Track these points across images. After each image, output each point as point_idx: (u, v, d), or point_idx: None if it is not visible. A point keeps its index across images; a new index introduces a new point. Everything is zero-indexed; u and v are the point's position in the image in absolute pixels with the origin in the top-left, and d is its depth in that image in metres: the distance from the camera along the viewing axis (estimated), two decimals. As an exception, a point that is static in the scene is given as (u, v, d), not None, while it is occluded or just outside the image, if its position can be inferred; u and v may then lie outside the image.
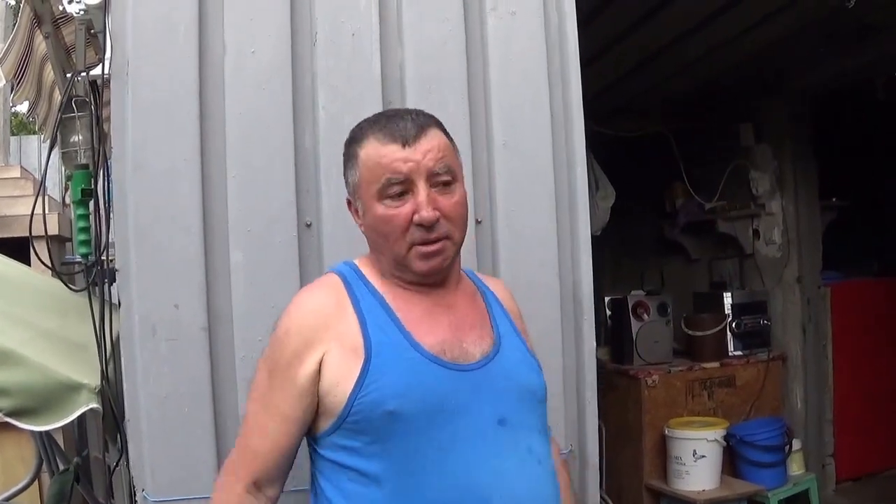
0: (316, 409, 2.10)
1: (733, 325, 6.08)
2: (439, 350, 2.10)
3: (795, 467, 5.91)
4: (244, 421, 2.19)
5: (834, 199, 6.81)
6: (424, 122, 2.16)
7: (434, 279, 2.20)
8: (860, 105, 6.69)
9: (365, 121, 2.23)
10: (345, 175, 2.24)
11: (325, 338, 2.08)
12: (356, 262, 2.28)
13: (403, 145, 2.09)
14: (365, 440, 2.03)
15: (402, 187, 2.08)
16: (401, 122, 2.14)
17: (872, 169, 6.95)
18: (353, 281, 2.20)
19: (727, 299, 6.19)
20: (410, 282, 2.19)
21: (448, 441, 2.03)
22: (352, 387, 2.03)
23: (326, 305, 2.14)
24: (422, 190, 2.09)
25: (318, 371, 2.07)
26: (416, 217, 2.07)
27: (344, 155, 2.24)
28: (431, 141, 2.13)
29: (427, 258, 2.12)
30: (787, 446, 5.69)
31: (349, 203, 2.25)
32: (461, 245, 2.22)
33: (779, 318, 6.47)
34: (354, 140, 2.19)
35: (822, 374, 6.50)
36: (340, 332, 2.09)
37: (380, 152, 2.10)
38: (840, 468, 6.55)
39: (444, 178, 2.12)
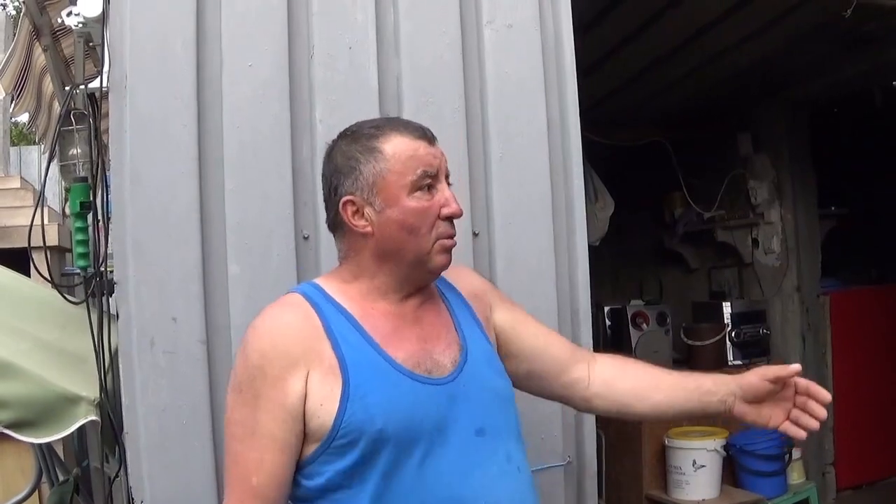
0: (303, 434, 2.03)
1: (732, 334, 6.08)
2: (412, 364, 2.07)
3: (796, 476, 5.90)
4: (232, 462, 2.05)
5: (832, 208, 6.82)
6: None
7: (433, 279, 2.23)
8: (858, 113, 6.70)
9: (369, 121, 2.22)
10: (350, 173, 2.10)
11: (306, 357, 2.02)
12: (317, 281, 2.23)
13: (429, 143, 2.12)
14: (349, 461, 1.99)
15: (431, 182, 2.09)
16: (416, 124, 2.17)
17: (871, 177, 6.96)
18: (318, 300, 2.13)
19: (726, 308, 6.18)
20: (397, 291, 2.17)
21: (430, 455, 2.02)
22: (336, 407, 1.98)
23: (299, 324, 2.07)
24: (446, 186, 2.12)
25: (304, 391, 2.00)
26: (444, 211, 2.09)
27: (346, 153, 2.14)
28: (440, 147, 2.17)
29: (448, 252, 2.14)
30: (787, 455, 5.68)
31: (346, 204, 2.10)
32: None
33: (778, 327, 6.47)
34: (368, 136, 2.12)
35: (822, 383, 6.37)
36: (318, 352, 2.03)
37: (412, 145, 2.09)
38: (840, 477, 6.54)
39: (450, 182, 2.16)
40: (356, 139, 2.13)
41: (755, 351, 6.17)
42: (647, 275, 7.37)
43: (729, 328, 6.10)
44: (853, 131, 6.90)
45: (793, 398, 2.30)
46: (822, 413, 2.27)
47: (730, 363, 6.05)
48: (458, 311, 2.29)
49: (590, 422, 3.21)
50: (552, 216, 3.12)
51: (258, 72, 2.80)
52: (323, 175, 2.22)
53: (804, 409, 2.29)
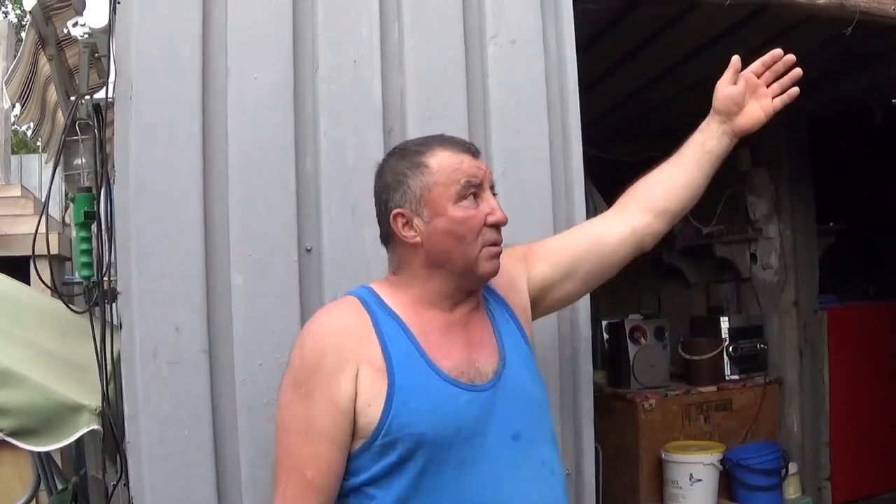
0: (353, 430, 2.12)
1: (730, 349, 6.07)
2: (457, 373, 2.16)
3: (792, 491, 5.90)
4: (286, 455, 2.15)
5: (831, 224, 6.81)
6: None
7: (481, 286, 2.31)
8: (858, 130, 6.71)
9: (416, 139, 2.35)
10: (399, 188, 2.21)
11: (357, 356, 2.11)
12: (372, 286, 2.31)
13: (473, 156, 2.22)
14: (387, 461, 2.08)
15: (476, 192, 2.18)
16: (460, 139, 2.30)
17: (870, 193, 6.97)
18: (372, 303, 2.22)
19: (724, 323, 6.17)
20: (449, 298, 2.25)
21: (467, 460, 2.10)
22: (382, 407, 2.08)
23: (353, 324, 2.17)
24: (490, 196, 2.21)
25: (355, 389, 2.09)
26: (490, 218, 2.18)
27: (394, 169, 2.24)
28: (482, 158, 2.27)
29: (495, 258, 2.21)
30: (784, 470, 5.68)
31: (396, 216, 2.21)
32: None
33: (775, 342, 6.46)
34: (415, 153, 2.24)
35: (819, 398, 6.49)
36: (368, 352, 2.12)
37: (457, 158, 2.20)
38: (837, 491, 6.53)
39: (495, 193, 2.25)
40: (404, 156, 2.26)
41: (752, 366, 6.15)
42: (645, 289, 7.35)
43: (726, 343, 6.08)
44: (853, 148, 6.91)
45: (763, 82, 2.55)
46: (790, 59, 2.54)
47: (727, 378, 6.04)
48: (497, 316, 2.37)
49: (588, 435, 3.23)
50: (553, 231, 3.13)
51: (263, 84, 2.82)
52: (375, 192, 2.31)
53: (777, 77, 2.54)
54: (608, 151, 6.25)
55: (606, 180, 6.35)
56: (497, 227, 2.20)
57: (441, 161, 2.19)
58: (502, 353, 2.27)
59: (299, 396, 2.13)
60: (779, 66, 2.54)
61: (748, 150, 6.43)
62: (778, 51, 2.53)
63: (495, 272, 2.25)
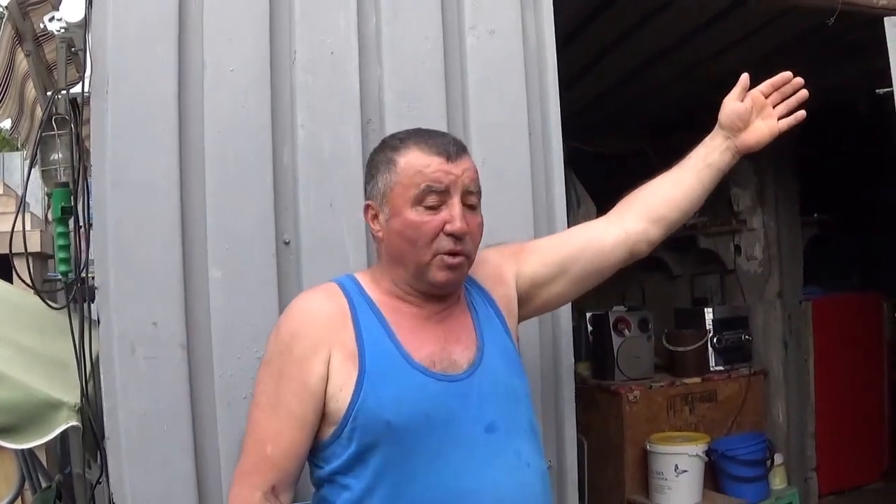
0: (322, 413, 2.13)
1: (714, 340, 6.08)
2: (429, 362, 2.16)
3: (778, 481, 5.92)
4: (252, 429, 2.19)
5: (815, 215, 6.83)
6: (461, 144, 2.28)
7: (442, 292, 2.27)
8: (841, 121, 6.72)
9: (402, 132, 2.31)
10: (371, 180, 2.27)
11: (330, 340, 2.14)
12: (356, 275, 2.34)
13: (447, 159, 2.18)
14: (356, 448, 2.09)
15: (438, 198, 2.16)
16: (442, 139, 2.26)
17: (853, 184, 6.98)
18: (351, 291, 2.25)
19: (708, 315, 6.17)
20: (417, 293, 2.25)
21: (438, 450, 2.10)
22: (352, 393, 2.09)
23: (329, 309, 2.20)
24: (456, 203, 2.18)
25: (327, 372, 2.12)
26: (448, 227, 2.15)
27: (373, 161, 2.29)
28: (467, 161, 2.24)
29: (448, 269, 2.19)
30: (769, 461, 5.70)
31: (367, 208, 2.28)
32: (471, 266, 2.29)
33: (760, 334, 6.48)
34: (391, 147, 2.25)
35: (804, 389, 6.51)
36: (342, 337, 2.15)
37: (423, 161, 2.18)
38: (822, 482, 6.55)
39: (472, 200, 2.23)
40: (383, 148, 2.29)
41: (737, 357, 6.17)
42: (629, 281, 7.35)
43: (711, 334, 6.10)
44: (836, 139, 6.91)
45: (770, 102, 2.55)
46: (798, 83, 2.55)
47: (711, 369, 6.06)
48: (479, 309, 2.37)
49: (570, 429, 3.22)
50: (533, 222, 3.13)
51: (240, 76, 2.81)
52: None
53: (784, 98, 2.54)
54: (590, 144, 6.24)
55: (590, 172, 6.41)
56: (454, 236, 2.17)
57: (409, 161, 2.18)
58: (480, 346, 2.27)
59: (270, 374, 2.17)
60: (787, 89, 2.54)
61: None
62: (788, 73, 2.54)
63: (448, 283, 2.23)
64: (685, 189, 2.61)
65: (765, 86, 2.55)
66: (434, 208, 2.16)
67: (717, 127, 2.60)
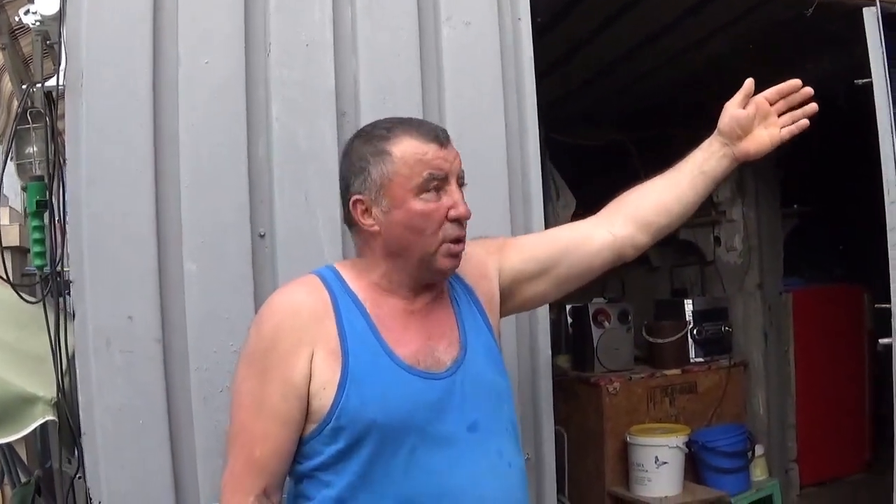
0: (306, 411, 2.10)
1: (694, 331, 6.09)
2: (413, 360, 2.14)
3: (759, 473, 5.93)
4: (237, 432, 2.13)
5: (795, 206, 6.85)
6: (445, 130, 2.24)
7: (441, 279, 2.27)
8: (821, 112, 6.72)
9: (382, 122, 2.25)
10: (360, 174, 2.16)
11: (313, 337, 2.09)
12: (337, 266, 2.29)
13: (440, 146, 2.15)
14: (339, 445, 2.07)
15: (439, 185, 2.13)
16: (429, 125, 2.23)
17: (834, 176, 6.99)
18: (333, 284, 2.20)
19: (688, 306, 6.18)
20: (409, 286, 2.22)
21: (420, 448, 2.08)
22: (335, 390, 2.06)
23: (311, 304, 2.14)
24: (455, 189, 2.16)
25: (310, 370, 2.08)
26: (451, 213, 2.13)
27: (358, 154, 2.19)
28: (454, 147, 2.21)
29: (454, 256, 2.18)
30: (750, 452, 5.71)
31: (356, 203, 2.17)
32: None
33: (740, 325, 6.49)
34: (380, 138, 2.17)
35: (785, 380, 6.52)
36: (324, 334, 2.10)
37: (421, 149, 2.13)
38: (803, 473, 6.57)
39: (463, 184, 2.20)
40: (368, 140, 2.20)
41: (717, 348, 6.17)
42: (609, 273, 7.37)
43: (691, 325, 6.10)
44: (816, 130, 6.92)
45: (775, 111, 2.49)
46: (807, 92, 2.49)
47: (691, 360, 6.06)
48: (462, 304, 2.34)
49: (548, 421, 3.23)
50: (510, 215, 3.13)
51: (214, 69, 2.80)
52: (339, 171, 2.28)
53: (790, 108, 2.48)
54: (569, 136, 6.24)
55: (569, 163, 6.40)
56: (459, 221, 2.15)
57: (405, 150, 2.13)
58: (463, 343, 2.25)
59: (253, 373, 2.12)
60: (795, 97, 2.48)
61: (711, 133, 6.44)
62: (796, 81, 2.47)
63: (453, 269, 2.22)
64: (677, 195, 2.55)
65: (771, 92, 2.48)
66: (437, 195, 2.13)
67: (715, 132, 2.54)
